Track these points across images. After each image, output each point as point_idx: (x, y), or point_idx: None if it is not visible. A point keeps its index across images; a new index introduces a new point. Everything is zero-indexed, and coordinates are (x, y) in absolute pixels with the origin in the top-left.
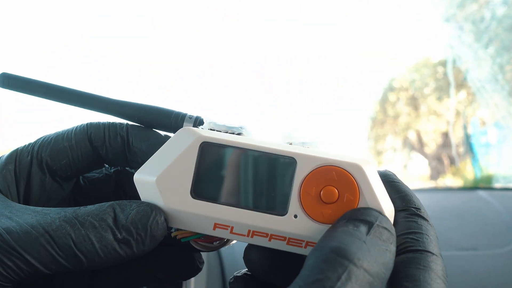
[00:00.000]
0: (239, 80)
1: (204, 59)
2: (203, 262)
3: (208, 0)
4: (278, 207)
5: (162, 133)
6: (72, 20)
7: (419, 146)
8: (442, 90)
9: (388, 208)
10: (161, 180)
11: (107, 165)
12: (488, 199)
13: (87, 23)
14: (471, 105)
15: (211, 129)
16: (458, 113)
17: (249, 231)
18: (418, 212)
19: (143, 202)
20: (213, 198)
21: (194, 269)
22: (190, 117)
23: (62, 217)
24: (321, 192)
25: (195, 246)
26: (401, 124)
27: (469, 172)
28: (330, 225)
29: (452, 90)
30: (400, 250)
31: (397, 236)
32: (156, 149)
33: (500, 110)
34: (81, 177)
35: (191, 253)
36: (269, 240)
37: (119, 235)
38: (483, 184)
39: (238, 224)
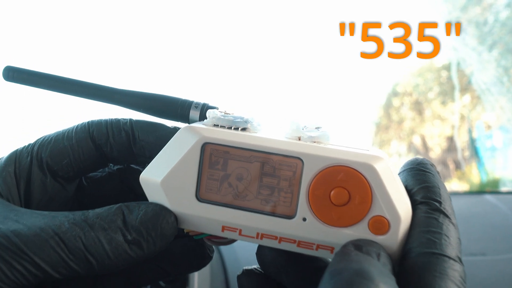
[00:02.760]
0: (248, 70)
1: (212, 45)
2: (213, 250)
3: None
4: (286, 209)
5: (170, 124)
6: (73, 10)
7: (424, 151)
8: (446, 94)
9: (404, 210)
10: (165, 182)
11: (112, 164)
12: (495, 203)
13: (89, 12)
14: (476, 109)
15: (215, 125)
16: (462, 117)
17: (258, 233)
18: (439, 207)
19: (151, 203)
20: (218, 201)
21: (204, 259)
22: (196, 106)
23: (71, 219)
24: (331, 194)
25: (208, 242)
26: (406, 129)
27: (475, 176)
28: (342, 228)
29: (457, 93)
30: (416, 252)
31: (415, 234)
32: (164, 141)
33: (506, 113)
34: (83, 177)
35: (200, 243)
36: (279, 242)
37: (129, 236)
38: (489, 188)
39: (246, 227)
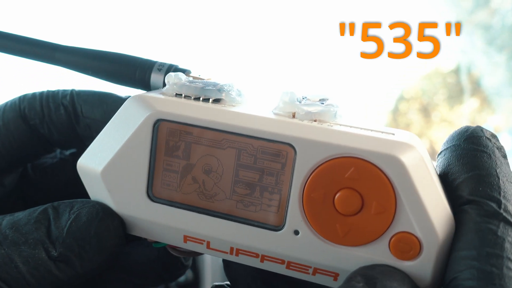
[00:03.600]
0: (248, 73)
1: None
2: (189, 258)
3: None
4: (271, 217)
5: (124, 94)
6: None
7: (431, 154)
8: (454, 98)
9: (443, 224)
10: (107, 173)
11: (59, 149)
12: None
13: None
14: (484, 112)
15: (177, 94)
16: (470, 120)
17: (231, 248)
18: (499, 210)
19: (90, 202)
20: (178, 201)
21: (177, 269)
22: (160, 67)
23: None
24: (335, 198)
25: (172, 252)
26: (414, 132)
27: None
28: (350, 248)
29: (466, 96)
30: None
31: (460, 258)
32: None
33: None
34: (29, 165)
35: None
36: (261, 261)
37: (53, 252)
38: None
39: (216, 239)
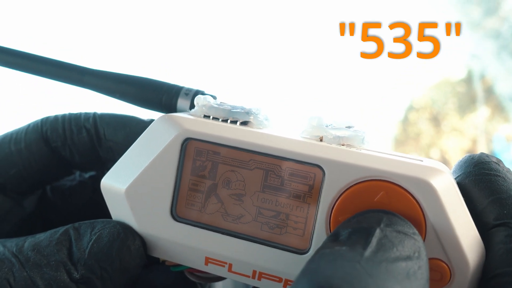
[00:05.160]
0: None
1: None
2: (205, 283)
3: None
4: (296, 240)
5: (147, 117)
6: None
7: (443, 163)
8: (464, 107)
9: (474, 250)
10: (131, 192)
11: (79, 171)
12: None
13: None
14: (495, 120)
15: (205, 116)
16: (481, 129)
17: (254, 271)
18: None
19: (111, 222)
20: (202, 221)
21: None
22: (187, 92)
23: (0, 254)
24: None
25: (190, 277)
26: (424, 142)
27: None
28: None
29: (478, 103)
30: None
31: (493, 284)
32: (136, 140)
33: None
34: (48, 187)
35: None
36: (284, 286)
37: (75, 274)
38: None
39: (239, 262)
